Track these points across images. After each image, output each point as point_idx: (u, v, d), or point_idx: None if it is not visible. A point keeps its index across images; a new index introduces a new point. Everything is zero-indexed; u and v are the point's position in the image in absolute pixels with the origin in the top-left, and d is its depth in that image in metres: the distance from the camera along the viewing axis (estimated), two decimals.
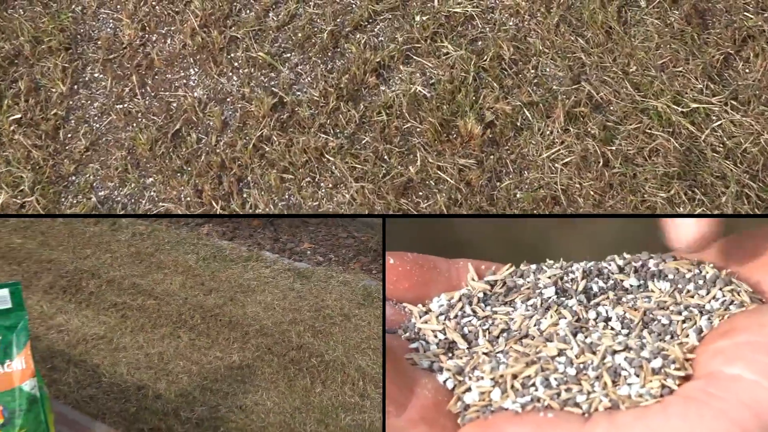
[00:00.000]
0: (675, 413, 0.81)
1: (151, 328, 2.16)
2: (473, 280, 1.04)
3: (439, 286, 1.03)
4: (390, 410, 0.86)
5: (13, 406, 0.94)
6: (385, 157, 2.25)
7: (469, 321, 0.99)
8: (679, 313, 0.95)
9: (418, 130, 2.29)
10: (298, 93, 2.38)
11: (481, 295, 1.02)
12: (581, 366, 0.90)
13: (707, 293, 0.98)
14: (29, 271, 2.45)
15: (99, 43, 2.49)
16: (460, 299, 1.01)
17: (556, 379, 0.89)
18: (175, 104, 2.37)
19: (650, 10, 2.53)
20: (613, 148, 2.24)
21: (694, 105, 2.30)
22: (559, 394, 0.87)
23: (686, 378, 0.88)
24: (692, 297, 0.98)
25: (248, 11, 2.55)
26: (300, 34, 2.49)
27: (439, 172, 2.21)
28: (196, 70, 2.43)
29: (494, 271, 1.06)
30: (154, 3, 2.57)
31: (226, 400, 1.80)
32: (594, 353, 0.90)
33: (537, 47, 2.44)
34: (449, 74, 2.37)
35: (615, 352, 0.90)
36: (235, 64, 2.44)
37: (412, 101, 2.34)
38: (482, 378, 0.91)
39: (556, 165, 2.21)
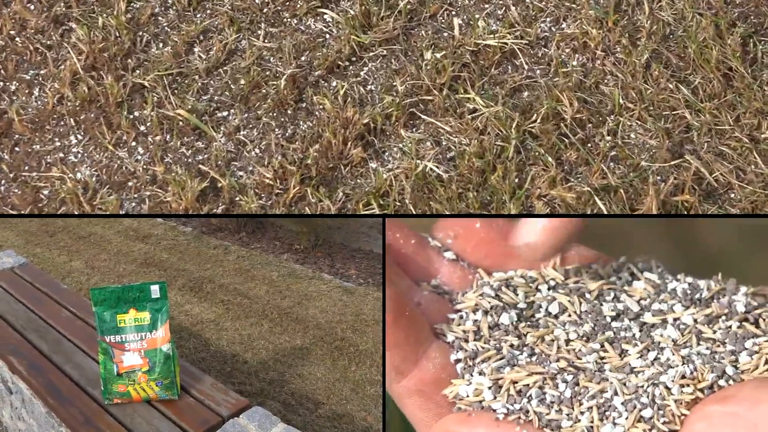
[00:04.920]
0: None
1: (244, 318, 3.42)
2: (553, 268, 1.18)
3: (519, 262, 1.18)
4: (391, 376, 1.05)
5: (155, 359, 1.70)
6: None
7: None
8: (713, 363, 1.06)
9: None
10: (241, 173, 1.95)
11: (553, 283, 1.16)
12: (579, 391, 1.04)
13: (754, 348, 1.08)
14: (171, 275, 3.98)
15: None
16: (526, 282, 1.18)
17: (552, 396, 1.04)
18: (47, 191, 1.93)
19: None
20: None
21: None
22: (548, 414, 1.03)
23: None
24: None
25: (161, 44, 2.08)
26: (243, 81, 2.07)
27: None
28: (80, 137, 1.99)
29: (602, 262, 1.20)
30: (12, 32, 2.07)
31: (290, 369, 2.93)
32: (598, 382, 1.04)
33: (616, 100, 2.03)
34: (478, 143, 1.96)
35: (616, 393, 1.03)
36: (142, 127, 2.00)
37: (420, 185, 1.93)
38: (484, 375, 1.07)
39: None
